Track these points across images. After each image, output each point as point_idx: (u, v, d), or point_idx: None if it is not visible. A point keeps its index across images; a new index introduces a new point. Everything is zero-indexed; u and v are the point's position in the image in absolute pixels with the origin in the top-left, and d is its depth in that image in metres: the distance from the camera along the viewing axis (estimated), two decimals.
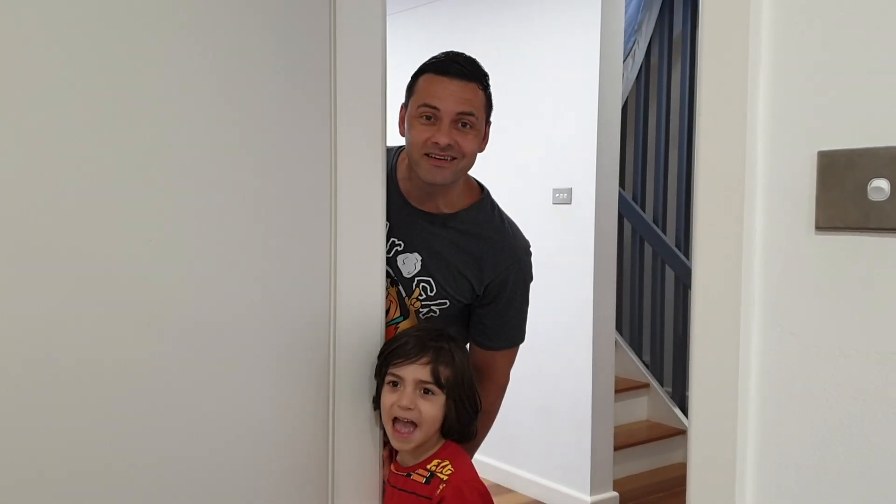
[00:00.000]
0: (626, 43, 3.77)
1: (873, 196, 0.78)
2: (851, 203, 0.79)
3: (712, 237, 0.87)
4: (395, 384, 1.36)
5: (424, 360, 1.36)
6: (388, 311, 1.59)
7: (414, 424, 1.35)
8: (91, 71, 1.07)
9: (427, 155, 1.49)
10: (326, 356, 1.35)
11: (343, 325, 1.36)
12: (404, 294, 1.61)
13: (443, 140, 1.47)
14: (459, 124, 1.49)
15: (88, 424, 1.09)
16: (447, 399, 1.37)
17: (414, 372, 1.35)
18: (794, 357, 0.85)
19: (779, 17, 0.85)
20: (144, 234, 1.12)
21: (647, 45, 3.99)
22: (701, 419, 0.89)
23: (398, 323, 1.62)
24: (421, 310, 1.61)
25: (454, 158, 1.50)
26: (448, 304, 1.61)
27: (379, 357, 1.41)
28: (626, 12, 3.46)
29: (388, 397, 1.36)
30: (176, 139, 1.15)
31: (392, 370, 1.36)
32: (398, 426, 1.35)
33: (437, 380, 1.36)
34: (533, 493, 3.37)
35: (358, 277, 1.37)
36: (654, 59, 4.10)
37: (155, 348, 1.14)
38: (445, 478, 1.35)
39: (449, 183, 1.54)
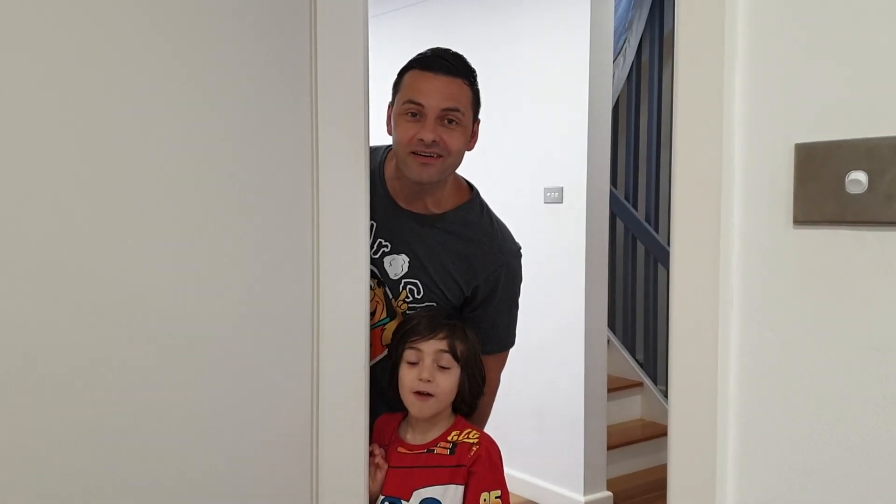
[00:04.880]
0: (616, 42, 3.75)
1: (851, 189, 0.76)
2: (829, 196, 0.78)
3: (690, 233, 0.85)
4: (412, 363, 1.46)
5: (441, 335, 1.46)
6: (374, 313, 1.58)
7: (431, 395, 1.44)
8: (69, 73, 1.05)
9: (414, 153, 1.47)
10: (310, 356, 1.33)
11: (327, 325, 1.34)
12: (391, 296, 1.59)
13: (428, 136, 1.44)
14: (445, 121, 1.46)
15: (67, 426, 1.07)
16: (462, 372, 1.47)
17: (433, 346, 1.45)
18: (773, 354, 0.83)
19: (755, 9, 0.84)
20: (122, 235, 1.11)
21: (637, 43, 3.98)
22: (680, 418, 0.87)
23: (385, 324, 1.60)
24: (408, 312, 1.59)
25: (440, 156, 1.47)
26: (435, 306, 1.59)
27: (392, 339, 1.52)
28: (615, 11, 3.45)
29: (407, 374, 1.46)
30: (154, 140, 1.13)
31: (410, 346, 1.46)
32: (419, 394, 1.45)
33: (453, 353, 1.46)
34: (526, 494, 3.35)
35: (341, 278, 1.36)
36: (645, 58, 4.10)
37: (133, 350, 1.12)
38: (475, 440, 1.46)
39: (435, 181, 1.52)
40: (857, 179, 0.75)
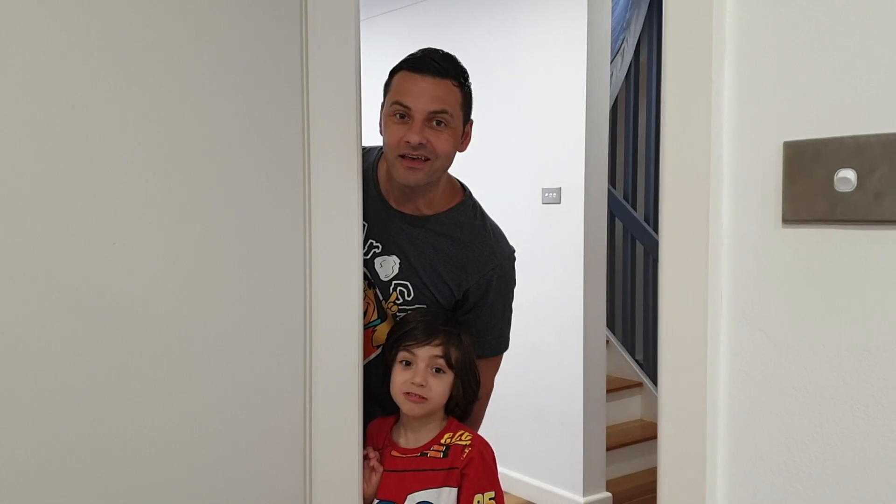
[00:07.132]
0: (614, 41, 3.75)
1: (840, 187, 0.75)
2: (818, 195, 0.77)
3: (678, 232, 0.85)
4: (407, 363, 1.47)
5: (437, 341, 1.46)
6: (365, 314, 1.57)
7: (423, 398, 1.45)
8: (59, 74, 1.04)
9: (402, 156, 1.46)
10: (302, 357, 1.33)
11: (320, 326, 1.33)
12: (381, 297, 1.58)
13: (414, 139, 1.43)
14: (434, 122, 1.45)
15: (56, 428, 1.07)
16: (455, 378, 1.48)
17: (428, 352, 1.45)
18: (763, 354, 0.83)
19: (743, 6, 0.83)
20: (110, 237, 1.10)
21: (636, 42, 3.97)
22: (670, 419, 0.86)
23: (376, 326, 1.59)
24: (398, 314, 1.58)
25: (427, 159, 1.46)
26: (426, 308, 1.58)
27: (387, 340, 1.52)
28: (613, 10, 3.44)
29: (400, 375, 1.47)
30: (143, 141, 1.13)
31: (405, 350, 1.47)
32: (410, 395, 1.45)
33: (448, 360, 1.46)
34: (525, 495, 3.35)
35: (334, 278, 1.35)
36: (643, 57, 4.09)
37: (123, 352, 1.12)
38: (468, 442, 1.46)
39: (423, 184, 1.50)
40: (846, 177, 0.75)
